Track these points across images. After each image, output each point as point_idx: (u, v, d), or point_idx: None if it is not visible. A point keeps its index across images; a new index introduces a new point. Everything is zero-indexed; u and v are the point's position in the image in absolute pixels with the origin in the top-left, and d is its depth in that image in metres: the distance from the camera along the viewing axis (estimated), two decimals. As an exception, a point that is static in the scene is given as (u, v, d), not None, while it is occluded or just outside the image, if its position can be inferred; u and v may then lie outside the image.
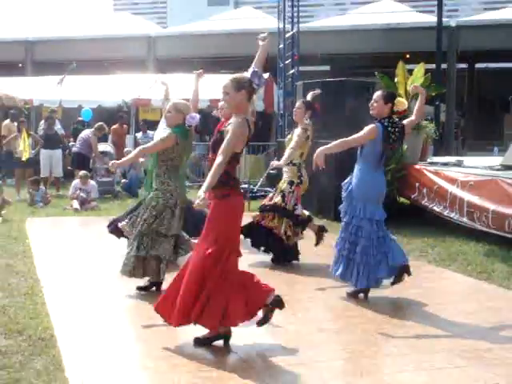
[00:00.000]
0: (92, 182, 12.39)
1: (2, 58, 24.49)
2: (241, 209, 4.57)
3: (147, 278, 5.99)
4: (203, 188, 4.46)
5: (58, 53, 23.96)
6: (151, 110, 16.95)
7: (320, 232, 7.45)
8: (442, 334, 4.91)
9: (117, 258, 7.37)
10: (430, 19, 19.61)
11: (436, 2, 15.60)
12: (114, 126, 16.23)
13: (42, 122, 15.22)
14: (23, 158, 12.83)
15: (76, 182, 12.15)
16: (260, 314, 4.55)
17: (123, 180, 13.96)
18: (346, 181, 5.92)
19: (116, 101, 17.35)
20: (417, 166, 9.75)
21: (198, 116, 5.73)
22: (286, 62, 15.03)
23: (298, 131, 7.13)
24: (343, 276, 5.87)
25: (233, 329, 4.54)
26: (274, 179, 12.57)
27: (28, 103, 16.98)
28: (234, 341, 4.56)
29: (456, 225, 8.69)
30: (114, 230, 7.01)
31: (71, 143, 15.75)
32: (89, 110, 16.71)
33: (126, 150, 14.86)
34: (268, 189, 12.70)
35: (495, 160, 9.63)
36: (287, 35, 15.11)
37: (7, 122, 14.63)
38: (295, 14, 14.99)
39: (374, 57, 21.05)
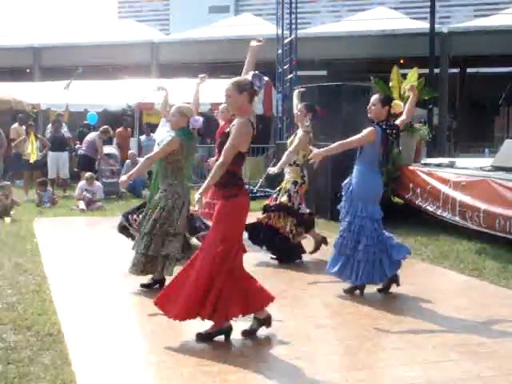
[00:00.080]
0: (97, 183, 12.39)
1: (10, 64, 24.50)
2: (247, 208, 4.57)
3: (150, 276, 5.99)
4: (201, 189, 4.47)
5: (65, 59, 23.95)
6: (154, 114, 16.92)
7: (321, 243, 7.40)
8: (435, 329, 4.91)
9: (121, 256, 7.38)
10: (423, 26, 19.59)
11: (429, 9, 15.59)
12: (119, 129, 16.22)
13: (50, 125, 15.22)
14: (31, 160, 12.84)
15: (82, 183, 12.14)
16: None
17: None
18: (345, 181, 5.91)
19: (120, 105, 17.35)
20: (411, 167, 9.75)
21: (201, 119, 5.75)
22: (285, 66, 15.03)
23: (299, 134, 7.10)
24: (340, 273, 5.86)
25: (233, 324, 4.55)
26: (273, 180, 12.59)
27: (36, 107, 16.97)
28: (234, 336, 4.56)
29: (449, 224, 8.69)
30: (123, 230, 6.98)
31: (77, 146, 15.74)
32: (94, 114, 16.70)
33: (130, 152, 14.86)
34: (267, 189, 12.71)
35: (486, 161, 9.62)
36: (285, 41, 15.11)
37: (16, 125, 14.64)
38: (293, 21, 14.99)
39: (369, 62, 21.05)
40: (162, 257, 5.79)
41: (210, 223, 7.89)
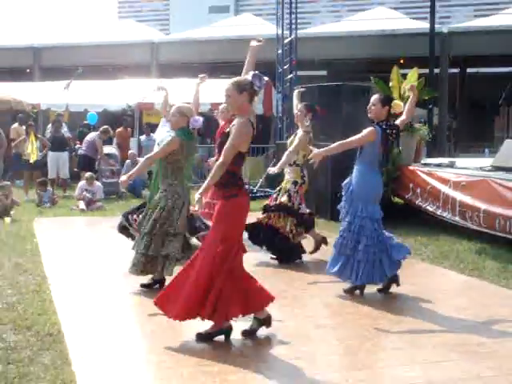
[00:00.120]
0: (97, 183, 12.39)
1: (10, 64, 24.51)
2: (247, 208, 4.57)
3: (150, 276, 5.99)
4: (201, 189, 4.47)
5: (65, 59, 23.95)
6: (154, 114, 16.93)
7: (321, 243, 7.40)
8: (435, 329, 4.92)
9: (121, 256, 7.38)
10: (423, 26, 19.59)
11: (429, 9, 15.59)
12: (119, 129, 16.22)
13: (50, 125, 15.21)
14: (31, 160, 12.85)
15: (82, 183, 12.15)
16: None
17: (127, 181, 13.93)
18: (345, 181, 5.91)
19: (120, 105, 17.35)
20: (411, 167, 9.75)
21: (201, 119, 5.76)
22: (285, 66, 15.03)
23: (299, 134, 7.09)
24: (340, 273, 5.86)
25: (233, 324, 4.55)
26: (272, 180, 12.59)
27: (36, 107, 16.98)
28: (234, 336, 4.56)
29: (449, 224, 8.69)
30: (123, 230, 6.98)
31: (77, 146, 15.74)
32: (94, 114, 16.70)
33: (130, 152, 14.86)
34: (267, 189, 12.71)
35: (486, 161, 9.62)
36: (285, 41, 15.11)
37: (16, 125, 14.64)
38: (293, 21, 14.99)
39: (369, 62, 21.05)
40: (162, 257, 5.79)
41: (210, 223, 7.94)
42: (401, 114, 5.90)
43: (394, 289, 5.96)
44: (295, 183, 7.13)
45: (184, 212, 5.82)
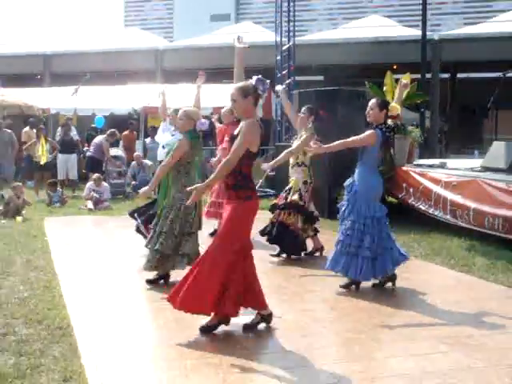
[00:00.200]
0: (105, 184, 12.39)
1: (21, 71, 24.50)
2: (257, 211, 4.54)
3: (155, 272, 5.99)
4: (203, 184, 4.46)
5: (73, 65, 23.93)
6: (159, 117, 16.93)
7: (318, 251, 7.39)
8: (427, 323, 4.92)
9: (128, 253, 7.39)
10: (415, 33, 19.55)
11: (421, 18, 15.57)
12: (125, 132, 16.21)
13: (59, 128, 15.21)
14: (41, 162, 12.85)
15: (90, 183, 12.15)
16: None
17: (133, 182, 13.96)
18: (347, 182, 5.90)
19: (126, 109, 17.36)
20: (404, 168, 9.75)
21: (207, 122, 5.82)
22: (283, 72, 15.01)
23: (304, 136, 7.00)
24: (346, 271, 5.80)
25: (235, 319, 4.55)
26: (272, 180, 12.60)
27: (45, 112, 16.98)
28: (235, 329, 4.57)
29: (440, 222, 8.69)
30: (139, 230, 6.97)
31: (85, 148, 15.75)
32: (101, 118, 16.71)
33: (135, 154, 14.86)
34: (267, 189, 12.71)
35: (476, 162, 9.62)
36: (284, 48, 15.11)
37: (27, 129, 14.65)
38: (291, 29, 14.98)
39: (364, 67, 21.00)
40: (178, 255, 5.80)
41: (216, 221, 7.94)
42: (398, 116, 5.91)
43: (388, 284, 5.97)
44: (305, 183, 7.13)
45: (198, 211, 5.84)
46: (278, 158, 7.10)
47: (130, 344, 4.36)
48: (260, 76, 4.48)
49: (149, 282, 5.92)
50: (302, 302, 5.54)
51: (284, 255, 7.27)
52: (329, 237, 7.47)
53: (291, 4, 14.94)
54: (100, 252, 7.65)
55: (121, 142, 16.11)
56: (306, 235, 7.24)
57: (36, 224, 9.52)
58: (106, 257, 7.34)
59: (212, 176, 4.52)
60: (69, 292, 5.60)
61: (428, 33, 16.39)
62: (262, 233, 7.22)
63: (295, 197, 7.08)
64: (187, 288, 4.42)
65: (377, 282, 5.94)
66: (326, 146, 5.83)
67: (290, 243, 7.16)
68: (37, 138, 13.25)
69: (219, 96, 12.90)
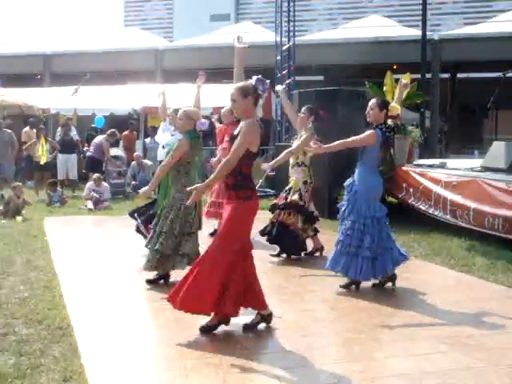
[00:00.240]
0: (105, 184, 12.39)
1: (22, 71, 24.50)
2: (257, 211, 4.54)
3: (155, 272, 5.99)
4: (203, 184, 4.47)
5: (73, 65, 23.93)
6: (159, 117, 16.93)
7: (317, 251, 7.40)
8: (427, 323, 4.92)
9: (128, 253, 7.39)
10: (415, 33, 19.56)
11: (421, 18, 15.57)
12: (125, 132, 16.22)
13: (59, 128, 15.20)
14: (41, 162, 12.85)
15: (90, 183, 12.15)
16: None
17: (133, 182, 13.96)
18: (347, 182, 5.90)
19: (126, 109, 17.36)
20: (404, 168, 9.75)
21: (207, 122, 5.82)
22: (283, 72, 15.02)
23: (304, 136, 7.00)
24: (346, 271, 5.80)
25: (235, 319, 4.55)
26: (272, 180, 12.60)
27: (45, 112, 16.98)
28: (235, 329, 4.57)
29: (440, 222, 8.69)
30: (139, 230, 6.97)
31: (85, 148, 15.75)
32: (101, 118, 16.71)
33: (135, 154, 14.87)
34: (267, 189, 12.72)
35: (476, 162, 9.62)
36: (284, 48, 15.11)
37: (27, 129, 14.65)
38: (291, 29, 14.98)
39: (364, 67, 21.00)
40: (178, 255, 5.81)
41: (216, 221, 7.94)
42: (398, 116, 5.91)
43: (388, 284, 5.97)
44: (305, 183, 7.13)
45: (198, 211, 5.86)
46: (278, 157, 7.11)
47: (130, 344, 4.36)
48: (260, 76, 4.48)
49: (149, 281, 5.92)
50: (302, 302, 5.54)
51: (284, 255, 7.28)
52: (329, 237, 7.47)
53: (291, 4, 14.95)
54: (100, 252, 7.65)
55: (121, 142, 16.11)
56: (306, 235, 7.25)
57: (36, 224, 9.52)
58: (105, 257, 7.34)
59: (212, 176, 4.52)
60: (69, 292, 5.61)
61: (428, 33, 16.40)
62: (262, 233, 7.22)
63: (295, 197, 7.08)
64: (187, 288, 4.42)
65: (377, 282, 5.94)
66: (326, 146, 5.84)
67: (290, 243, 7.16)
68: (37, 138, 13.26)
69: (219, 96, 12.91)
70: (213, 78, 12.34)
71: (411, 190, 9.34)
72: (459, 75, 25.23)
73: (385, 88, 10.40)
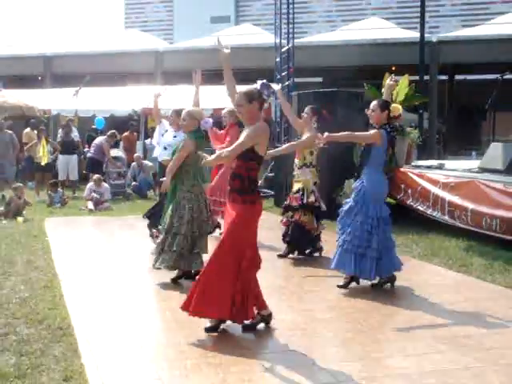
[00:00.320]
0: (105, 185, 12.39)
1: (23, 72, 24.49)
2: (261, 211, 4.55)
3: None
4: (213, 157, 4.55)
5: (74, 67, 23.91)
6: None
7: (317, 250, 7.42)
8: (425, 322, 4.92)
9: (129, 253, 7.39)
10: (414, 35, 19.55)
11: (419, 20, 15.57)
12: (125, 134, 16.21)
13: (60, 129, 15.19)
14: (42, 163, 12.84)
15: (90, 184, 12.14)
16: None
17: (133, 183, 13.96)
18: (355, 184, 5.90)
19: (127, 110, 17.34)
20: (402, 169, 9.75)
21: (210, 120, 5.83)
22: (283, 74, 15.00)
23: (307, 134, 6.98)
24: (360, 272, 5.79)
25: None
26: (271, 181, 12.59)
27: (46, 113, 16.95)
28: (235, 329, 4.56)
29: (438, 222, 8.69)
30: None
31: (86, 149, 15.74)
32: (101, 119, 16.70)
33: (135, 155, 14.86)
34: (266, 190, 12.70)
35: (474, 163, 9.63)
36: (283, 50, 15.10)
37: (28, 130, 14.66)
38: (290, 31, 14.97)
39: (362, 69, 21.00)
40: (194, 254, 5.83)
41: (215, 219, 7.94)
42: (399, 116, 5.90)
43: (386, 285, 5.97)
44: (315, 183, 7.15)
45: (208, 209, 5.92)
46: (281, 148, 7.12)
47: (131, 344, 4.35)
48: (265, 81, 4.48)
49: (173, 280, 5.95)
50: (302, 302, 5.54)
51: (291, 255, 7.26)
52: (329, 237, 7.45)
53: (290, 6, 14.94)
54: (100, 252, 7.64)
55: (121, 143, 16.11)
56: (317, 233, 7.28)
57: (37, 224, 9.51)
58: (106, 257, 7.33)
59: (213, 156, 4.63)
60: (69, 292, 5.60)
61: (426, 35, 16.39)
62: (284, 238, 7.27)
63: (311, 198, 7.09)
64: (198, 294, 4.40)
65: (375, 282, 5.93)
66: (333, 134, 5.77)
67: (306, 242, 7.22)
68: (38, 139, 13.25)
69: (219, 97, 12.91)
70: (213, 80, 12.31)
71: (409, 190, 9.34)
72: (457, 77, 25.24)
73: (383, 90, 10.37)
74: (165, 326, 4.72)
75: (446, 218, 8.41)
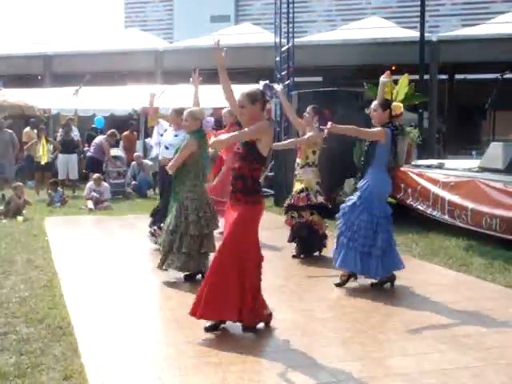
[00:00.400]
0: (105, 184, 12.38)
1: (22, 71, 24.48)
2: (263, 211, 4.55)
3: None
4: (216, 140, 4.60)
5: (74, 66, 23.90)
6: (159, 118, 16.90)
7: (317, 250, 7.42)
8: (425, 322, 4.91)
9: (128, 252, 7.39)
10: (414, 34, 19.54)
11: (419, 19, 15.56)
12: (125, 133, 16.21)
13: (60, 129, 15.18)
14: (42, 162, 12.84)
15: (90, 183, 12.14)
16: None
17: (133, 182, 13.96)
18: (361, 183, 5.89)
19: (127, 109, 17.33)
20: (402, 168, 9.74)
21: (212, 119, 5.84)
22: (283, 73, 15.00)
23: (309, 134, 6.97)
24: (366, 271, 5.80)
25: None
26: (271, 181, 12.59)
27: (46, 112, 16.95)
28: (235, 329, 4.56)
29: (438, 222, 8.69)
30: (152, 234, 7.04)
31: (86, 148, 15.74)
32: (101, 118, 16.70)
33: (135, 154, 14.86)
34: (266, 189, 12.69)
35: (473, 163, 9.62)
36: (283, 49, 15.10)
37: (27, 129, 14.65)
38: (290, 30, 14.96)
39: (362, 68, 21.00)
40: (202, 254, 5.85)
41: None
42: (401, 114, 5.90)
43: (386, 285, 5.97)
44: (318, 183, 7.15)
45: (211, 208, 5.93)
46: (283, 142, 7.11)
47: (131, 343, 4.35)
48: (267, 81, 4.48)
49: (187, 277, 5.98)
50: (302, 302, 5.53)
51: (302, 256, 7.25)
52: (328, 237, 7.45)
53: (290, 6, 14.94)
54: (100, 251, 7.64)
55: (121, 143, 16.11)
56: (323, 231, 7.30)
57: (37, 224, 9.51)
58: (106, 256, 7.33)
59: (215, 139, 4.65)
60: (69, 291, 5.60)
61: (426, 34, 16.38)
62: (292, 240, 7.28)
63: (320, 198, 7.09)
64: (206, 297, 4.39)
65: (375, 281, 5.93)
66: (338, 126, 5.74)
67: (315, 241, 7.22)
68: (38, 138, 13.26)
69: (219, 97, 12.88)
70: (213, 79, 12.31)
71: (409, 190, 9.33)
72: (457, 76, 25.24)
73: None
74: (165, 326, 4.72)
75: (446, 217, 8.41)
